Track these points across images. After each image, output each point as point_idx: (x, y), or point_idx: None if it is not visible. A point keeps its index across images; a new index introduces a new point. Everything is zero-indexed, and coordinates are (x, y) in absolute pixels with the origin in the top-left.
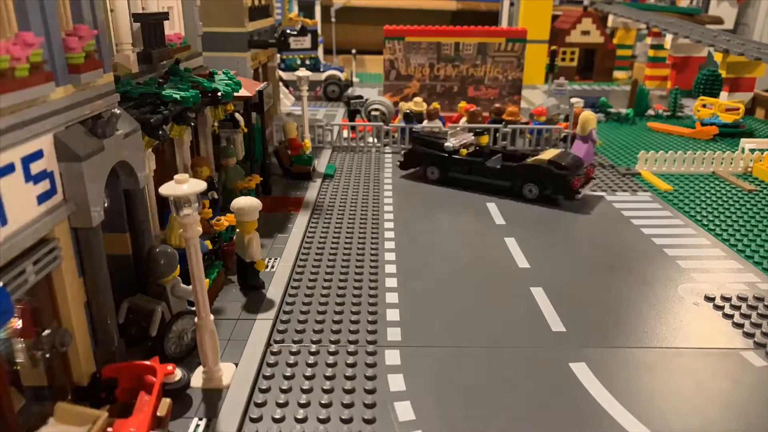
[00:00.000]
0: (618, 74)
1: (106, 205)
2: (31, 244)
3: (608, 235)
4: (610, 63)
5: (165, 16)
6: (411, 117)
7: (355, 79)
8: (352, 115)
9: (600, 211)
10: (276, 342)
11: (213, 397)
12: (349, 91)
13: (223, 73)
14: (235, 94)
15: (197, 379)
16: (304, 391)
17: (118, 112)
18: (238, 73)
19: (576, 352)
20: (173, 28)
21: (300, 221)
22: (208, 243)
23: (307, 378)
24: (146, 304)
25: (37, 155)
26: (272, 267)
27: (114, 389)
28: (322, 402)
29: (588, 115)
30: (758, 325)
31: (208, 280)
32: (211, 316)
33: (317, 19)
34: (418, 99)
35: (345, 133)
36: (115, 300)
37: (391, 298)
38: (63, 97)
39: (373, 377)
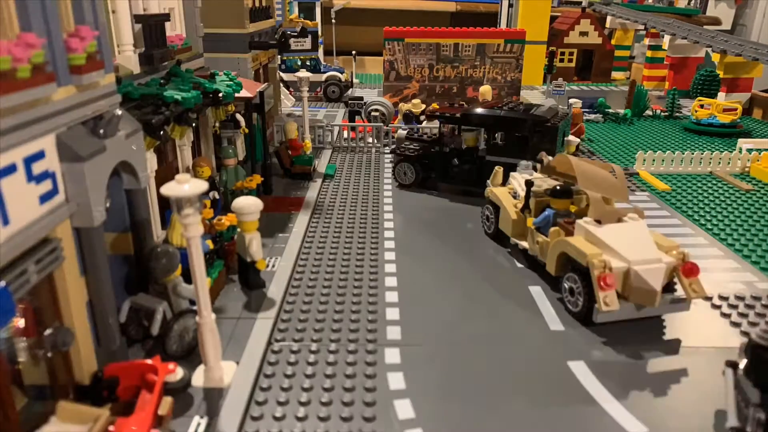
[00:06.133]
0: (616, 75)
1: (107, 205)
2: (33, 244)
3: None
4: (608, 64)
5: (166, 17)
6: (411, 118)
7: (355, 80)
8: (351, 115)
9: None
10: (277, 341)
11: (214, 395)
12: (349, 92)
13: (224, 74)
14: (236, 94)
15: (198, 378)
16: (304, 390)
17: (119, 112)
18: (238, 74)
19: (574, 351)
20: (174, 30)
21: (300, 221)
22: (209, 242)
23: (308, 376)
24: (148, 304)
25: (39, 156)
26: (273, 266)
27: (115, 388)
28: (323, 400)
29: None
30: (755, 324)
31: (209, 279)
32: (213, 315)
33: (317, 21)
34: (416, 101)
35: (345, 134)
36: (117, 299)
37: (391, 297)
38: (65, 97)
39: (373, 376)
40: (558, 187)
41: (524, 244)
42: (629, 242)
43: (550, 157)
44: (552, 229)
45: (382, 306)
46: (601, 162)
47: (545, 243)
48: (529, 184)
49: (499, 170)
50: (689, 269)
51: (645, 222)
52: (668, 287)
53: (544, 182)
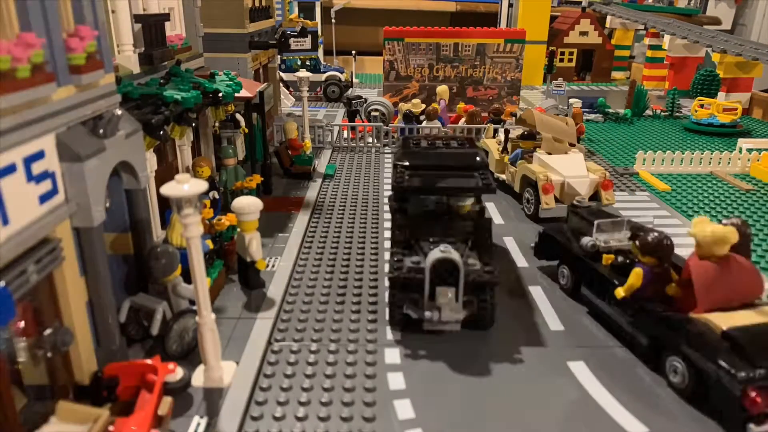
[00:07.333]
0: (616, 75)
1: (107, 205)
2: (32, 244)
3: None
4: (608, 63)
5: (166, 17)
6: (410, 117)
7: (355, 80)
8: (351, 115)
9: None
10: (277, 341)
11: (214, 395)
12: (349, 91)
13: (224, 73)
14: (236, 94)
15: (198, 378)
16: (304, 390)
17: (119, 112)
18: (238, 74)
19: (574, 352)
20: (174, 29)
21: (300, 221)
22: (209, 242)
23: (308, 376)
24: (148, 304)
25: (39, 155)
26: (273, 266)
27: (115, 388)
28: (323, 400)
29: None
30: None
31: (209, 279)
32: (212, 315)
33: (317, 21)
34: (416, 101)
35: (345, 134)
36: (117, 299)
37: None
38: (64, 97)
39: (373, 376)
40: (525, 133)
41: (503, 176)
42: (567, 165)
43: (521, 111)
44: (519, 161)
45: (382, 306)
46: (560, 117)
47: (515, 172)
48: (506, 132)
49: (490, 126)
50: (606, 184)
51: (582, 155)
52: (595, 197)
53: (519, 131)
